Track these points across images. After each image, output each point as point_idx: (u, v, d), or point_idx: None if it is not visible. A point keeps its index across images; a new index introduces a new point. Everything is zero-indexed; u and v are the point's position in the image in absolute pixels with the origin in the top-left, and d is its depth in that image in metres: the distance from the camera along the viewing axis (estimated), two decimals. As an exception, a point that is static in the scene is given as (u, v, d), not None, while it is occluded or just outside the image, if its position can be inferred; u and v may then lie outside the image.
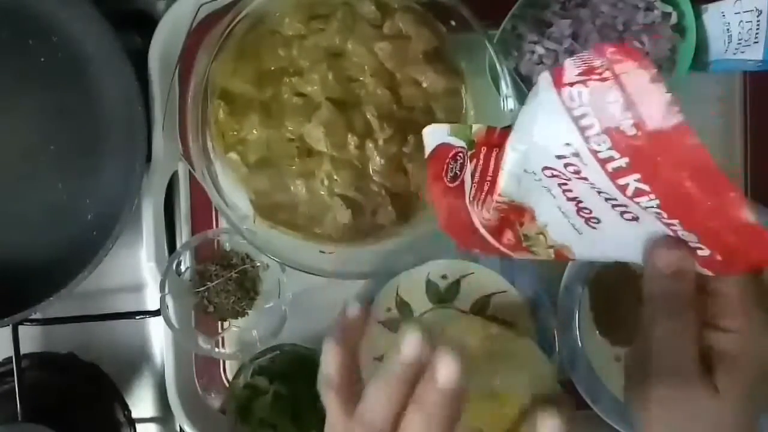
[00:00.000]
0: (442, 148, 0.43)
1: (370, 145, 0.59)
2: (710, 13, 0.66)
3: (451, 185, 0.43)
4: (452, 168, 0.43)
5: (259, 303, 0.70)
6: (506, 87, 0.57)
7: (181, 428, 0.69)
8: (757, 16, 0.62)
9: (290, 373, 0.67)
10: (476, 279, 0.69)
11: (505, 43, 0.66)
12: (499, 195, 0.40)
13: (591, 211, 0.38)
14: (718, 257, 0.36)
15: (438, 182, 0.43)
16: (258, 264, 0.69)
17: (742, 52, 0.63)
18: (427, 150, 0.43)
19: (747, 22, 0.63)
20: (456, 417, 0.37)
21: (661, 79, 0.33)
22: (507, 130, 0.40)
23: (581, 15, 0.66)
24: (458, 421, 0.37)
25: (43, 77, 0.65)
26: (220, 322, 0.70)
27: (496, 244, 0.44)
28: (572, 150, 0.36)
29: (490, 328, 0.68)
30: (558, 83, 0.35)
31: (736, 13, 0.63)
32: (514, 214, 0.41)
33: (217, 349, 0.70)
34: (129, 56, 0.61)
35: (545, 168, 0.38)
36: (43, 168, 0.66)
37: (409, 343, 0.36)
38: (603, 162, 0.35)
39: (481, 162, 0.42)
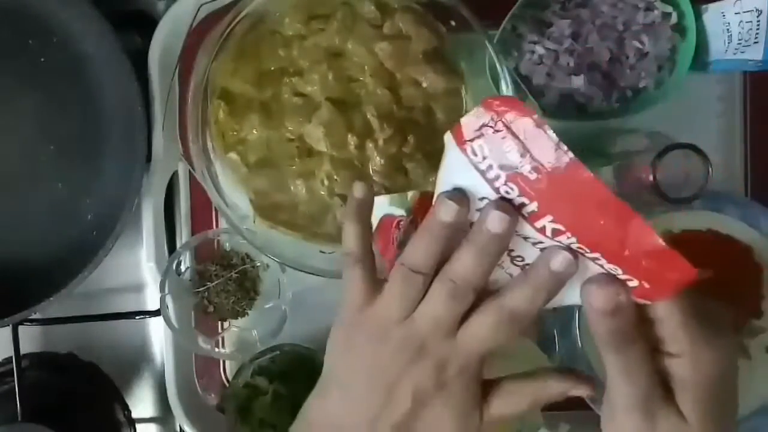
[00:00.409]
0: (386, 220, 0.44)
1: (370, 145, 0.59)
2: (710, 13, 0.66)
3: (399, 252, 0.43)
4: (397, 237, 0.43)
5: (259, 303, 0.70)
6: (506, 87, 0.57)
7: (181, 428, 0.69)
8: (757, 16, 0.62)
9: (290, 373, 0.67)
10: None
11: (505, 43, 0.66)
12: None
13: (523, 259, 0.39)
14: (646, 285, 0.36)
15: (387, 251, 0.44)
16: (258, 264, 0.70)
17: (742, 52, 0.63)
18: (374, 222, 0.44)
19: (747, 22, 0.63)
20: (500, 255, 0.39)
21: (543, 122, 0.34)
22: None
23: (581, 15, 0.66)
24: (499, 259, 0.39)
25: (43, 77, 0.65)
26: (220, 322, 0.70)
27: None
28: (488, 202, 0.37)
29: (490, 328, 0.68)
30: (459, 141, 0.37)
31: (736, 13, 0.63)
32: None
33: (217, 349, 0.70)
34: (129, 56, 0.61)
35: (472, 224, 0.39)
36: (43, 168, 0.66)
37: (447, 209, 0.38)
38: (518, 208, 0.37)
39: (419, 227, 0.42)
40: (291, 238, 0.60)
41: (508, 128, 0.35)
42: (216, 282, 0.68)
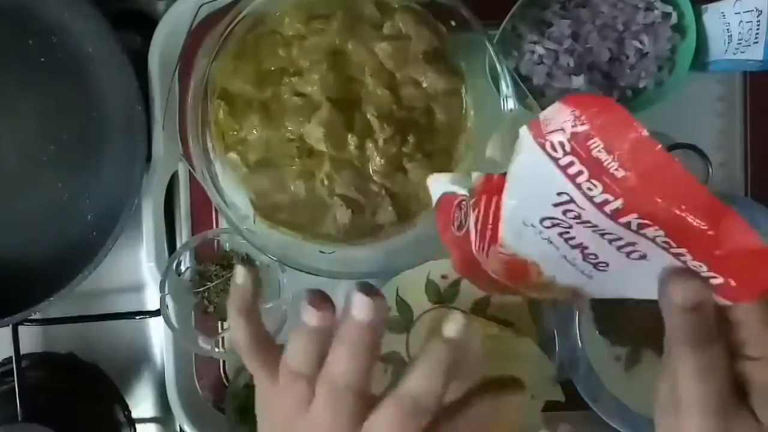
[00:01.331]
0: (446, 198, 0.43)
1: (370, 145, 0.59)
2: (710, 13, 0.66)
3: (458, 234, 0.43)
4: (458, 217, 0.43)
5: (259, 303, 0.70)
6: (506, 87, 0.57)
7: (181, 428, 0.69)
8: (757, 16, 0.62)
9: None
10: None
11: (505, 43, 0.66)
12: (501, 246, 0.40)
13: (597, 256, 0.38)
14: (732, 283, 0.35)
15: (447, 231, 0.43)
16: (258, 264, 0.69)
17: (742, 52, 0.63)
18: (434, 199, 0.43)
19: (747, 22, 0.63)
20: (376, 346, 0.37)
21: (633, 118, 0.33)
22: (504, 176, 0.40)
23: (581, 15, 0.66)
24: (378, 350, 0.37)
25: (43, 77, 0.65)
26: (220, 322, 0.70)
27: (515, 288, 0.44)
28: (567, 197, 0.36)
29: (490, 328, 0.68)
30: (538, 135, 0.35)
31: (736, 13, 0.63)
32: (520, 268, 0.41)
33: (217, 349, 0.70)
34: (129, 56, 0.61)
35: (544, 219, 0.38)
36: (43, 168, 0.66)
37: (308, 314, 0.38)
38: (600, 205, 0.35)
39: (482, 211, 0.42)
40: (291, 238, 0.60)
41: (592, 124, 0.34)
42: (216, 282, 0.68)
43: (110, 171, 0.66)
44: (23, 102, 0.65)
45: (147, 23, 0.66)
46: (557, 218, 0.37)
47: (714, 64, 0.67)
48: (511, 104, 0.57)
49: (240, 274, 0.43)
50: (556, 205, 0.37)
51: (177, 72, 0.56)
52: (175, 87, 0.56)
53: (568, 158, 0.35)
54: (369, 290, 0.36)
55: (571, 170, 0.35)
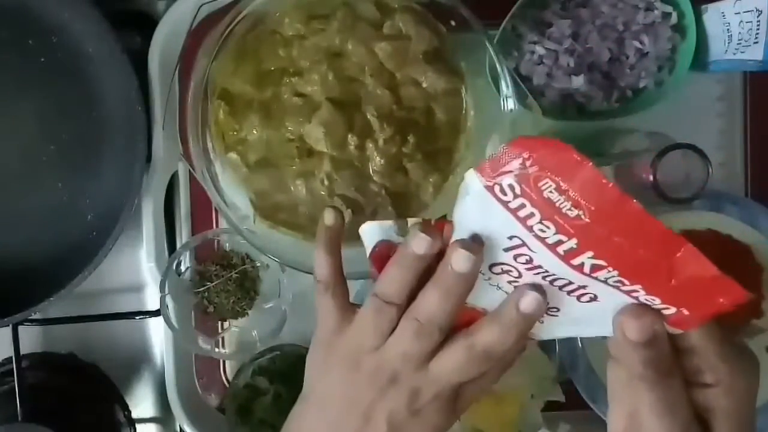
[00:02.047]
0: (383, 246, 0.42)
1: (370, 145, 0.59)
2: (710, 13, 0.66)
3: None
4: None
5: (259, 303, 0.70)
6: (506, 87, 0.57)
7: (181, 428, 0.69)
8: (757, 16, 0.62)
9: (290, 373, 0.67)
10: (476, 279, 0.69)
11: (505, 43, 0.66)
12: None
13: (547, 303, 0.39)
14: (686, 312, 0.36)
15: None
16: (258, 264, 0.69)
17: (742, 52, 0.63)
18: (368, 249, 0.43)
19: (747, 22, 0.63)
20: (466, 295, 0.39)
21: (583, 156, 0.33)
22: (443, 221, 0.40)
23: (581, 15, 0.66)
24: (464, 299, 0.40)
25: (43, 77, 0.65)
26: (220, 322, 0.70)
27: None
28: (518, 241, 0.36)
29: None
30: (487, 179, 0.36)
31: (736, 13, 0.63)
32: (467, 315, 0.41)
33: (217, 349, 0.70)
34: (129, 56, 0.61)
35: (494, 265, 0.38)
36: (43, 168, 0.66)
37: (419, 241, 0.39)
38: (553, 246, 0.35)
39: None
40: (291, 238, 0.60)
41: (542, 165, 0.34)
42: (216, 282, 0.68)
43: (110, 171, 0.66)
44: (23, 102, 0.65)
45: (147, 23, 0.66)
46: (507, 264, 0.38)
47: (714, 64, 0.67)
48: (511, 104, 0.57)
49: (329, 214, 0.46)
50: (507, 249, 0.37)
51: (177, 72, 0.56)
52: (175, 87, 0.56)
53: (519, 200, 0.35)
54: (471, 246, 0.38)
55: (522, 212, 0.35)
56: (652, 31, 0.66)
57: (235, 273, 0.68)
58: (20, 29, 0.64)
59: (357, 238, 0.61)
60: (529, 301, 0.38)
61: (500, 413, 0.64)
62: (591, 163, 0.33)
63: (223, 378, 0.71)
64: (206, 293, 0.69)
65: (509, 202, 0.35)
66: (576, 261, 0.35)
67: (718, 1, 0.65)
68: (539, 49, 0.65)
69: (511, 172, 0.35)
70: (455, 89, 0.61)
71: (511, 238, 0.36)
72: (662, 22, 0.66)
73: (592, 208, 0.34)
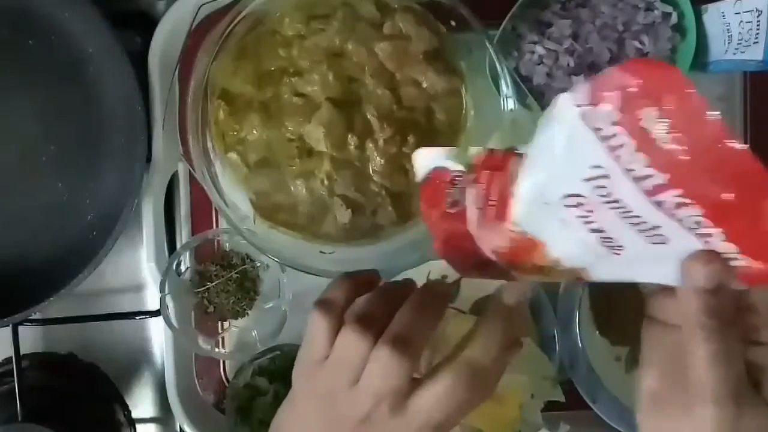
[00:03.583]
0: (436, 173, 0.41)
1: (370, 145, 0.59)
2: (710, 13, 0.66)
3: (450, 211, 0.42)
4: (451, 193, 0.41)
5: (259, 303, 0.70)
6: (506, 87, 0.57)
7: (181, 428, 0.69)
8: (757, 16, 0.62)
9: (290, 374, 0.66)
10: (476, 279, 0.69)
11: (505, 43, 0.66)
12: (511, 224, 0.39)
13: (613, 240, 0.37)
14: (760, 265, 0.34)
15: (434, 208, 0.42)
16: (258, 264, 0.69)
17: (742, 52, 0.63)
18: (420, 173, 0.42)
19: (747, 22, 0.63)
20: (441, 314, 0.41)
21: (691, 84, 0.31)
22: (510, 152, 0.39)
23: (581, 15, 0.66)
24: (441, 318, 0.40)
25: (43, 77, 0.65)
26: (220, 322, 0.70)
27: (508, 270, 0.43)
28: (602, 172, 0.34)
29: (490, 328, 0.68)
30: (581, 105, 0.34)
31: (736, 13, 0.63)
32: (525, 247, 0.40)
33: (217, 349, 0.70)
34: (129, 56, 0.61)
35: (568, 196, 0.36)
36: (43, 168, 0.66)
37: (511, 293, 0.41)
38: (638, 180, 0.33)
39: (484, 187, 0.40)
40: (291, 238, 0.60)
41: (646, 93, 0.31)
42: (216, 282, 0.68)
43: (110, 171, 0.66)
44: (23, 102, 0.65)
45: (147, 23, 0.66)
46: (583, 195, 0.35)
47: (714, 64, 0.67)
48: (511, 104, 0.57)
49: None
50: (587, 179, 0.35)
51: (177, 72, 0.56)
52: (175, 87, 0.56)
53: (613, 129, 0.33)
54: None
55: (614, 142, 0.33)
56: (652, 31, 0.66)
57: (235, 273, 0.68)
58: (20, 29, 0.64)
59: (357, 238, 0.61)
60: (511, 293, 0.39)
61: (500, 413, 0.64)
62: (696, 92, 0.31)
63: (223, 378, 0.71)
64: (206, 293, 0.69)
65: (602, 129, 0.33)
66: (660, 197, 0.33)
67: (718, 1, 0.65)
68: (539, 49, 0.65)
69: (611, 97, 0.32)
70: (455, 89, 0.61)
71: (594, 167, 0.34)
72: (662, 22, 0.66)
73: (691, 143, 0.31)
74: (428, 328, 0.39)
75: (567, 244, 0.38)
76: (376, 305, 0.40)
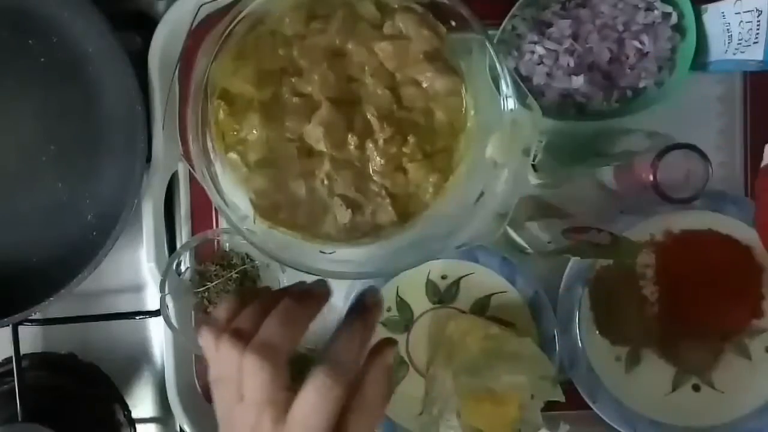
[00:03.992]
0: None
1: (370, 145, 0.59)
2: (710, 13, 0.66)
3: None
4: None
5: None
6: (506, 87, 0.57)
7: (181, 428, 0.69)
8: (757, 17, 0.62)
9: (290, 374, 0.66)
10: (476, 279, 0.69)
11: (505, 43, 0.66)
12: None
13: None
14: None
15: None
16: (258, 264, 0.69)
17: (742, 52, 0.63)
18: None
19: (747, 22, 0.63)
20: (307, 322, 0.42)
21: None
22: None
23: (581, 15, 0.66)
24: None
25: (43, 77, 0.65)
26: (220, 322, 0.70)
27: None
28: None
29: (490, 328, 0.68)
30: None
31: (736, 14, 0.63)
32: None
33: (217, 349, 0.70)
34: (129, 56, 0.61)
35: None
36: (43, 168, 0.66)
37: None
38: None
39: None
40: (291, 238, 0.60)
41: None
42: (216, 282, 0.68)
43: (110, 171, 0.66)
44: (23, 102, 0.65)
45: (147, 23, 0.66)
46: None
47: (714, 64, 0.67)
48: (511, 104, 0.57)
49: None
50: None
51: (177, 72, 0.56)
52: (175, 87, 0.56)
53: None
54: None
55: None
56: (652, 31, 0.66)
57: (235, 273, 0.68)
58: (20, 29, 0.64)
59: (357, 238, 0.61)
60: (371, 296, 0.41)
61: (500, 413, 0.64)
62: None
63: (223, 378, 0.71)
64: (206, 293, 0.69)
65: None
66: None
67: (718, 1, 0.65)
68: (539, 49, 0.65)
69: None
70: (455, 89, 0.61)
71: None
72: (662, 22, 0.66)
73: None
74: (293, 333, 0.41)
75: None
76: (249, 316, 0.41)
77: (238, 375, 0.40)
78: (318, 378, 0.40)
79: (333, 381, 0.40)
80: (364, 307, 0.43)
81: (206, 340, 0.43)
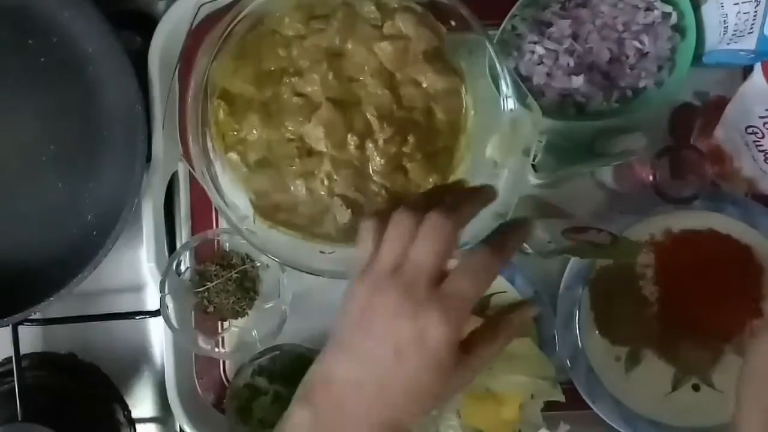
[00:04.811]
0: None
1: (370, 145, 0.59)
2: (709, 4, 0.66)
3: None
4: None
5: (259, 303, 0.70)
6: (506, 87, 0.57)
7: (181, 428, 0.69)
8: (755, 7, 0.62)
9: (290, 373, 0.67)
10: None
11: (505, 43, 0.66)
12: None
13: None
14: None
15: None
16: (258, 264, 0.69)
17: (736, 42, 0.63)
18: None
19: (745, 12, 0.62)
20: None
21: None
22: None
23: (581, 15, 0.66)
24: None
25: (43, 77, 0.65)
26: (220, 322, 0.70)
27: None
28: None
29: (490, 328, 0.68)
30: None
31: (734, 4, 0.63)
32: None
33: (217, 349, 0.70)
34: (129, 56, 0.62)
35: (748, 126, 0.50)
36: (43, 168, 0.66)
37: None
38: None
39: None
40: (291, 238, 0.60)
41: None
42: (216, 282, 0.68)
43: (110, 171, 0.66)
44: (23, 102, 0.65)
45: (147, 23, 0.66)
46: (757, 127, 0.51)
47: (707, 55, 0.67)
48: (511, 104, 0.57)
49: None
50: (761, 117, 0.51)
51: (177, 72, 0.56)
52: (175, 87, 0.56)
53: None
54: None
55: None
56: (652, 31, 0.66)
57: (235, 273, 0.68)
58: (20, 29, 0.64)
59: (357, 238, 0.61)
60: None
61: (500, 413, 0.64)
62: None
63: (223, 378, 0.71)
64: (206, 293, 0.69)
65: None
66: None
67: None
68: (539, 49, 0.65)
69: None
70: (455, 89, 0.61)
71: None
72: (662, 22, 0.66)
73: None
74: (474, 206, 0.43)
75: None
76: (424, 197, 0.44)
77: (409, 236, 0.42)
78: (480, 254, 0.42)
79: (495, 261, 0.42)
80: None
81: (366, 224, 0.44)
